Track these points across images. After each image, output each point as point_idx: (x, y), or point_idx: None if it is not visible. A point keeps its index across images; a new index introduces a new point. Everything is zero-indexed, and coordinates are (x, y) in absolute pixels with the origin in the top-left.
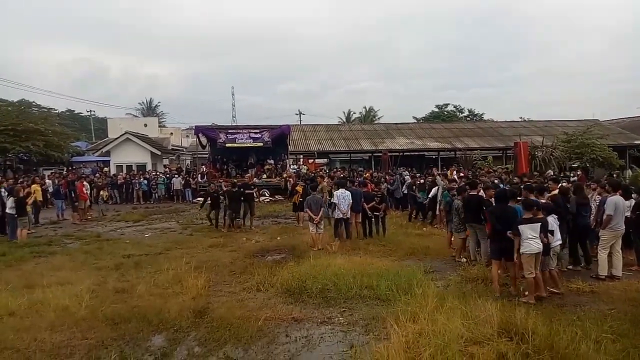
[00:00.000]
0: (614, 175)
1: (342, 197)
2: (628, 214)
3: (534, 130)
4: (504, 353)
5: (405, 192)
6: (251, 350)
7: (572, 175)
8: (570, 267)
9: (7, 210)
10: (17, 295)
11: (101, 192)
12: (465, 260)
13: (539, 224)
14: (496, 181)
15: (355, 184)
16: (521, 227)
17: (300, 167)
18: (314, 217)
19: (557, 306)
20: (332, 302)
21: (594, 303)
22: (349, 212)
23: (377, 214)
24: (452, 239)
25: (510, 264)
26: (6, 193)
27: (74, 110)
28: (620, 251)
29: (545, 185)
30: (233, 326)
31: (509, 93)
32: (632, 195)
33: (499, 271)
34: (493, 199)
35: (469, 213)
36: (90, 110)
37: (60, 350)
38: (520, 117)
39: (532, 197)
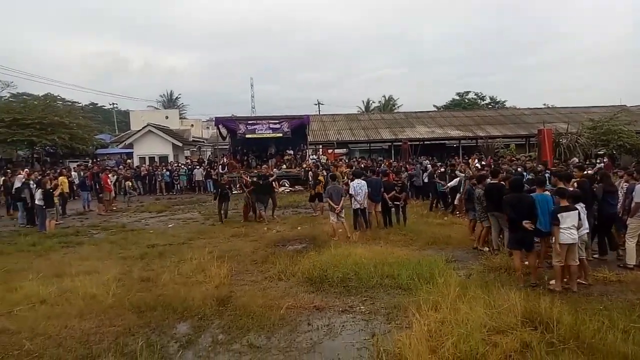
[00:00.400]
0: None
1: (359, 187)
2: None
3: (558, 117)
4: (528, 342)
5: (426, 181)
6: (274, 337)
7: (598, 162)
8: (595, 256)
9: (36, 202)
10: (47, 283)
11: (126, 183)
12: (487, 249)
13: (577, 212)
14: (519, 169)
15: (376, 174)
16: (562, 215)
17: (320, 157)
18: (335, 206)
19: (583, 295)
20: (353, 291)
21: (622, 293)
22: (366, 202)
23: (398, 203)
24: (474, 227)
25: (530, 253)
26: (34, 185)
27: (97, 104)
28: None
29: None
30: (256, 314)
31: (533, 79)
32: None
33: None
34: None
35: (490, 201)
36: (113, 103)
37: (90, 336)
38: (544, 104)
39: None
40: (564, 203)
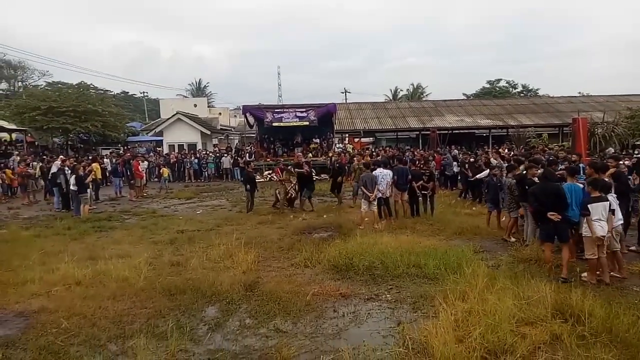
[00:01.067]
0: None
1: (381, 176)
2: None
3: (594, 105)
4: (558, 334)
5: (456, 170)
6: (300, 323)
7: (636, 153)
8: (633, 248)
9: (71, 187)
10: (82, 266)
11: (162, 170)
12: (514, 240)
13: (607, 203)
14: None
15: (403, 162)
16: (592, 206)
17: (346, 146)
18: (369, 194)
19: (617, 289)
20: (379, 280)
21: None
22: (388, 191)
23: (425, 192)
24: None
25: (564, 245)
26: (69, 171)
27: (128, 92)
28: None
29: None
30: (282, 300)
31: (568, 67)
32: None
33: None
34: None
35: (523, 192)
36: (144, 92)
37: (122, 317)
38: (579, 92)
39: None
40: (595, 194)
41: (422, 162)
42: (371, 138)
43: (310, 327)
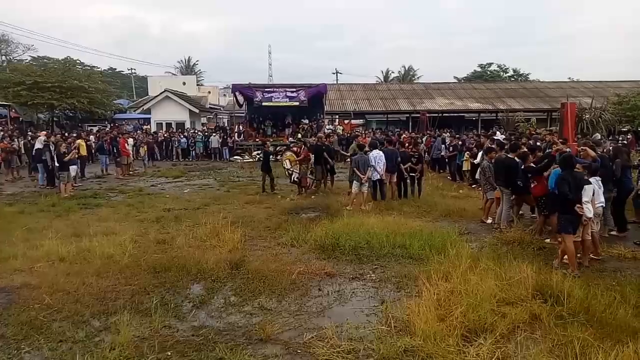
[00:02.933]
0: None
1: (378, 158)
2: None
3: (583, 91)
4: (537, 314)
5: (443, 153)
6: (285, 301)
7: (621, 139)
8: (613, 232)
9: (55, 164)
10: (66, 243)
11: (140, 149)
12: (490, 221)
13: (592, 186)
14: (538, 143)
15: (392, 143)
16: (585, 189)
17: (336, 127)
18: (361, 175)
19: (596, 271)
20: (365, 260)
21: (636, 269)
22: (384, 173)
23: (414, 174)
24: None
25: (567, 236)
26: (53, 147)
27: (115, 69)
28: None
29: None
30: (267, 278)
31: (559, 52)
32: None
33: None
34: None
35: (498, 175)
36: (131, 69)
37: (106, 294)
38: (569, 78)
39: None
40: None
41: (411, 145)
42: (361, 120)
43: (294, 305)
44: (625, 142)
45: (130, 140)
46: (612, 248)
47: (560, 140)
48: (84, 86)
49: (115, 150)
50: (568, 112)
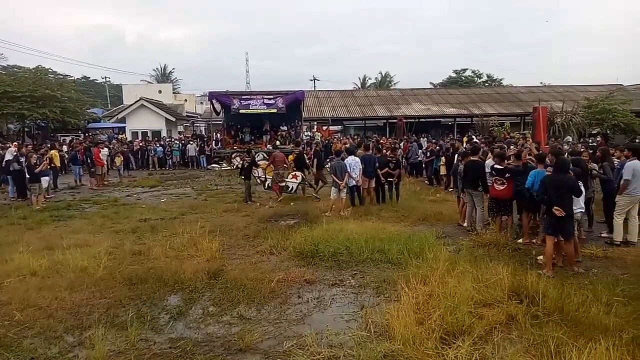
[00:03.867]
0: (635, 140)
1: (354, 164)
2: None
3: (554, 95)
4: (513, 315)
5: (420, 158)
6: (264, 310)
7: (591, 141)
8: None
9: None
10: (38, 256)
11: (116, 159)
12: (466, 224)
13: None
14: (512, 147)
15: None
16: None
17: (314, 134)
18: (339, 182)
19: (570, 271)
20: (344, 266)
21: (607, 268)
22: (360, 179)
23: (391, 179)
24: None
25: (567, 242)
26: (23, 158)
27: (89, 77)
28: (637, 217)
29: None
30: (246, 287)
31: (531, 57)
32: None
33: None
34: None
35: (467, 178)
36: (105, 77)
37: (80, 308)
38: (541, 82)
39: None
40: None
41: (389, 150)
42: (339, 126)
43: (274, 313)
44: (595, 144)
45: (105, 150)
46: (584, 248)
47: (534, 143)
48: (56, 95)
49: (89, 161)
50: (540, 116)
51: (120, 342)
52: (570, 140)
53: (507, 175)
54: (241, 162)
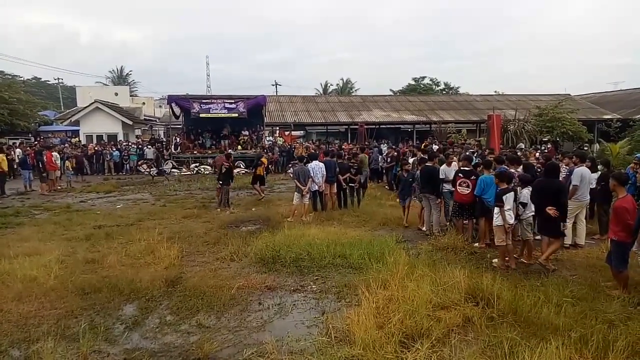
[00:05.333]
0: (583, 148)
1: (317, 169)
2: (593, 185)
3: (508, 103)
4: (469, 317)
5: (381, 164)
6: (224, 317)
7: (542, 148)
8: (538, 237)
9: None
10: None
11: (67, 163)
12: (425, 228)
13: (513, 193)
14: (468, 153)
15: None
16: (505, 197)
17: (277, 138)
18: (302, 187)
19: (523, 273)
20: (306, 271)
21: (558, 270)
22: (323, 184)
23: (353, 185)
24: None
25: (555, 240)
26: None
27: (40, 78)
28: (584, 221)
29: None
30: (206, 295)
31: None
32: (598, 167)
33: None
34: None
35: (425, 183)
36: (58, 78)
37: (28, 320)
38: (495, 91)
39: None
40: (504, 185)
41: (351, 156)
42: (302, 131)
43: (234, 321)
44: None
45: (56, 154)
46: (537, 251)
47: (488, 150)
48: (3, 97)
49: (40, 165)
50: (494, 124)
51: (71, 354)
52: (523, 147)
53: (472, 177)
54: (220, 168)
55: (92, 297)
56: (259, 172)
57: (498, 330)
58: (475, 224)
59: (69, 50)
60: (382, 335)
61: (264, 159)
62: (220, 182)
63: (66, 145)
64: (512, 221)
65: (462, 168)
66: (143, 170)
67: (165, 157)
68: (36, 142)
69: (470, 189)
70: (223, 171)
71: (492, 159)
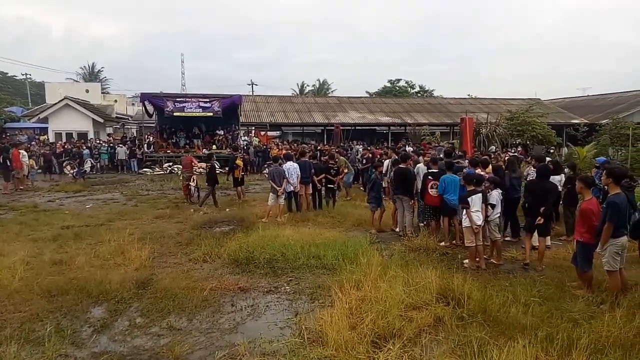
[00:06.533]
0: (550, 151)
1: (292, 170)
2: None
3: (480, 107)
4: (440, 317)
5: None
6: (195, 319)
7: (512, 151)
8: (507, 238)
9: None
10: None
11: (30, 161)
12: (398, 229)
13: (480, 195)
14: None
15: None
16: (471, 199)
17: (252, 138)
18: (277, 188)
19: (492, 273)
20: (280, 272)
21: (525, 270)
22: (298, 185)
23: (332, 186)
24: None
25: (541, 239)
26: None
27: (7, 73)
28: None
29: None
30: (177, 297)
31: (461, 70)
32: (565, 171)
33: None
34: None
35: (398, 185)
36: (26, 74)
37: None
38: (468, 95)
39: (477, 171)
40: (471, 187)
41: (329, 157)
42: (278, 132)
43: (206, 322)
44: (516, 154)
45: (23, 152)
46: (506, 252)
47: (460, 152)
48: None
49: (8, 163)
50: (467, 126)
51: (35, 359)
52: (494, 149)
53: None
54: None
55: (58, 299)
56: (236, 174)
57: (468, 330)
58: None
59: (39, 44)
60: (355, 335)
61: (238, 161)
62: (207, 183)
63: (33, 143)
64: (479, 222)
65: (430, 170)
66: (67, 172)
67: (138, 155)
68: (2, 140)
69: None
70: (208, 172)
71: (466, 160)
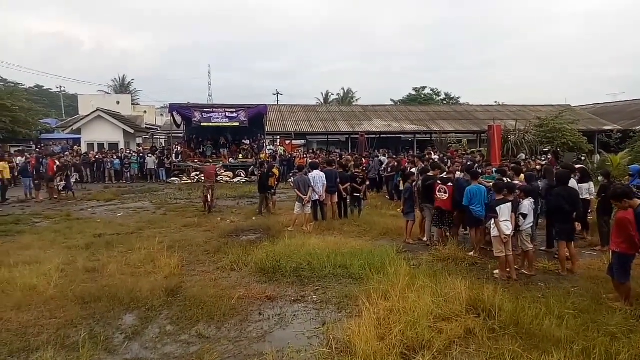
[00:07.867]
0: (581, 158)
1: (318, 178)
2: (584, 195)
3: (508, 114)
4: (471, 328)
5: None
6: (224, 328)
7: (542, 159)
8: (542, 249)
9: None
10: None
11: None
12: (426, 239)
13: (510, 204)
14: (469, 163)
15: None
16: (500, 208)
17: (277, 147)
18: (303, 197)
19: (524, 284)
20: (306, 281)
21: (559, 282)
22: (324, 194)
23: (358, 195)
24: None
25: (570, 244)
26: None
27: (42, 86)
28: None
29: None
30: (206, 305)
31: (487, 76)
32: (599, 179)
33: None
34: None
35: (425, 193)
36: (60, 86)
37: (28, 329)
38: (495, 101)
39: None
40: (500, 196)
41: (355, 166)
42: (302, 140)
43: (234, 331)
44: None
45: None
46: (538, 262)
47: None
48: (5, 104)
49: (44, 171)
50: (495, 134)
51: None
52: (524, 157)
53: (449, 184)
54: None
55: (92, 306)
56: (270, 183)
57: (500, 342)
58: (466, 233)
59: (72, 58)
60: (383, 346)
61: (275, 170)
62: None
63: (67, 153)
64: (508, 232)
65: (439, 176)
66: (54, 185)
67: (166, 165)
68: (37, 150)
69: (447, 195)
70: (260, 179)
71: (490, 170)
